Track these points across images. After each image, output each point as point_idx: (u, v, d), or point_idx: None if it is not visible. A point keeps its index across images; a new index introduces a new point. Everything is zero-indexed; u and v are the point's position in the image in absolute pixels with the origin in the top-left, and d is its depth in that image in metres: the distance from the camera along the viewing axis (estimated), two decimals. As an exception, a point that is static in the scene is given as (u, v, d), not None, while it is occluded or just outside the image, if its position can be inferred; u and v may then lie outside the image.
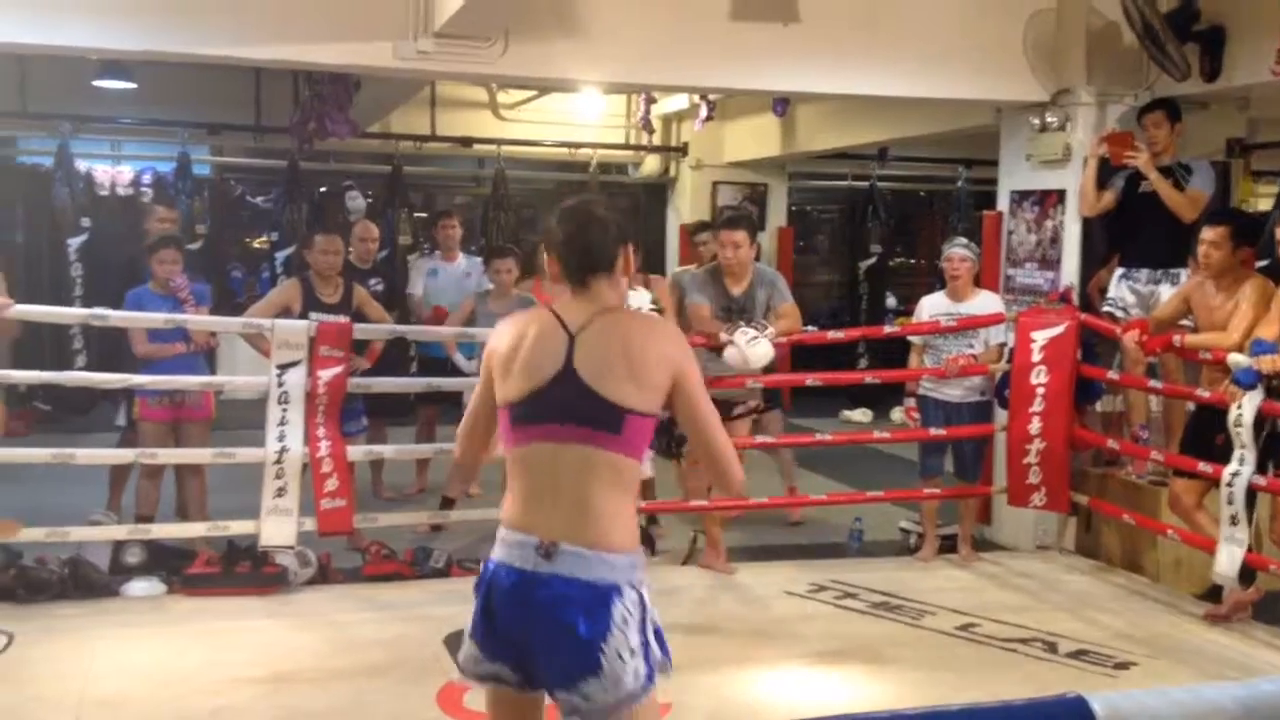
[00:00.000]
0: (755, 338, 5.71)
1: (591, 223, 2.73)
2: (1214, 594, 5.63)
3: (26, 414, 9.34)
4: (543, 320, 2.68)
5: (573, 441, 2.58)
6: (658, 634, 2.61)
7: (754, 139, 10.80)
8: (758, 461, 8.24)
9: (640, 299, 4.61)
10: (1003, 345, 6.43)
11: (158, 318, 5.73)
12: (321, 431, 5.60)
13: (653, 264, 9.97)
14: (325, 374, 5.56)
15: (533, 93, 10.34)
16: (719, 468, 2.73)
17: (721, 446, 2.71)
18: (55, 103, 9.38)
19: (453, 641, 5.00)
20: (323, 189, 11.12)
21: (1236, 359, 5.10)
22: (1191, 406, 5.78)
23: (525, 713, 2.71)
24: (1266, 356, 4.97)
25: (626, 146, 11.44)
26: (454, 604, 5.52)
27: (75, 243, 9.58)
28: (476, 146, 10.80)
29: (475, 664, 2.65)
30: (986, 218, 7.39)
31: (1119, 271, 6.39)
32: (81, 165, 10.15)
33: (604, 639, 2.48)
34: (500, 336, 2.75)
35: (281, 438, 5.53)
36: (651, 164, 11.58)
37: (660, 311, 4.68)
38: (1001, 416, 6.50)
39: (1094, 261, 6.75)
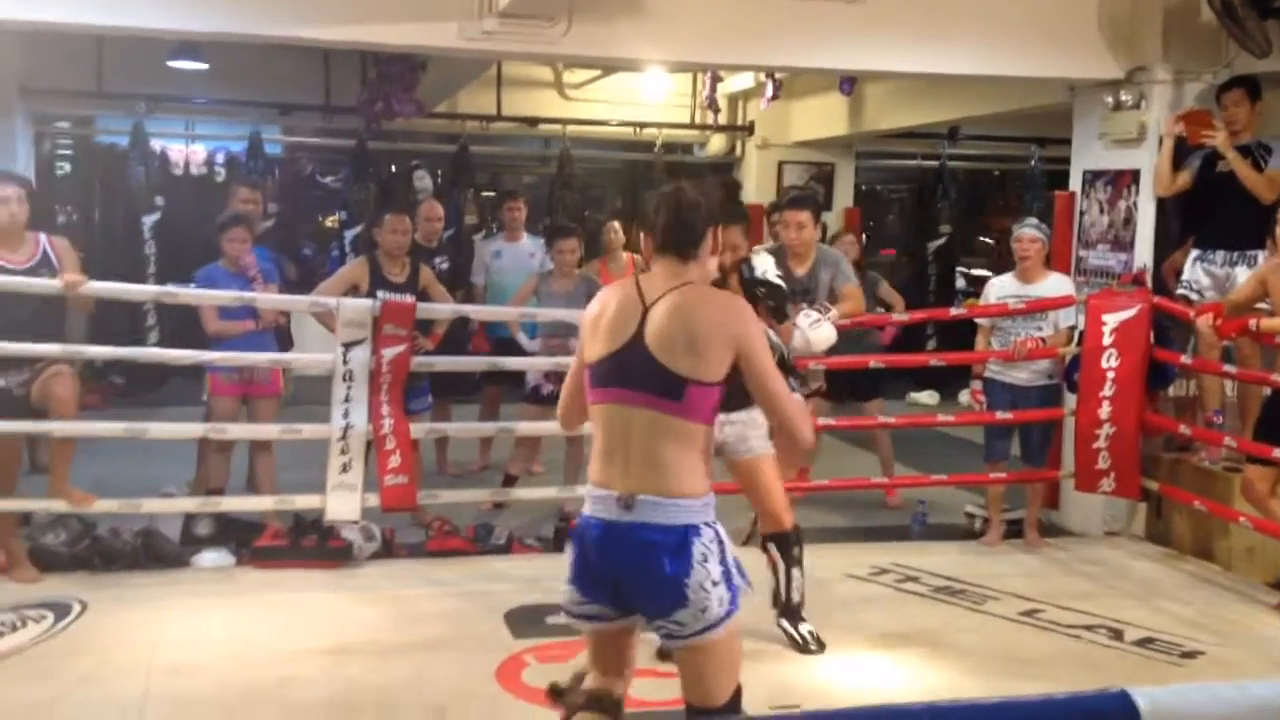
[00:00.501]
0: (818, 320, 5.64)
1: (681, 204, 2.98)
2: (1288, 583, 5.51)
3: (102, 388, 9.58)
4: (626, 291, 2.95)
5: (640, 405, 2.84)
6: (736, 563, 2.91)
7: (821, 118, 10.69)
8: (830, 445, 8.19)
9: (765, 263, 4.72)
10: (1072, 328, 6.32)
11: (226, 295, 5.82)
12: (385, 409, 5.65)
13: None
14: (389, 352, 5.61)
15: (598, 72, 10.33)
16: (789, 428, 3.02)
17: (787, 407, 2.97)
18: (131, 83, 9.55)
19: (513, 616, 5.07)
20: (394, 168, 11.22)
21: (1315, 343, 4.97)
22: (1267, 391, 5.64)
23: (622, 638, 3.02)
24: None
25: (692, 126, 11.37)
26: (514, 580, 5.61)
27: (149, 220, 9.78)
28: (542, 126, 10.83)
29: (576, 604, 2.97)
30: (1058, 198, 7.26)
31: (1194, 253, 6.26)
32: (156, 144, 10.35)
33: (687, 575, 2.79)
34: (594, 303, 3.03)
35: (346, 414, 5.59)
36: (717, 143, 11.51)
37: (782, 278, 4.82)
38: (1070, 400, 6.40)
39: (1168, 243, 6.60)
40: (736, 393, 3.93)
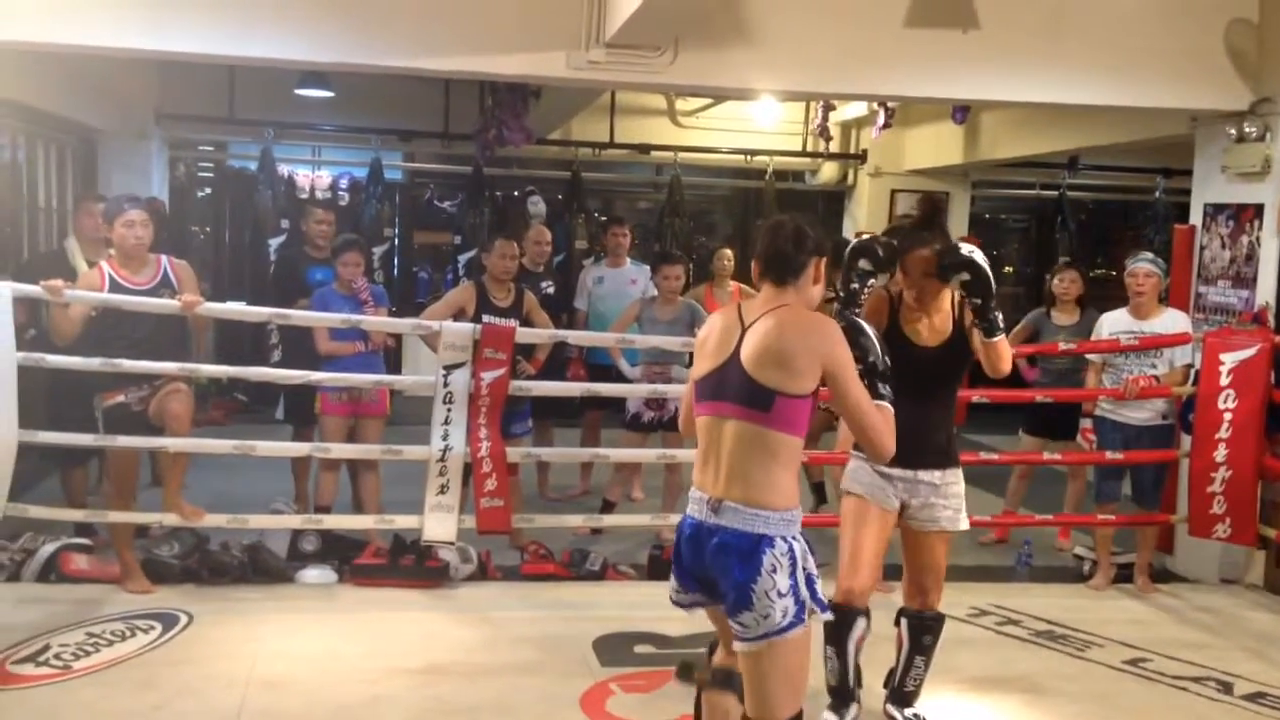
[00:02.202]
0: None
1: (785, 234, 3.19)
2: None
3: (226, 404, 9.93)
4: (729, 315, 3.21)
5: (732, 417, 3.06)
6: (809, 580, 3.05)
7: (934, 146, 10.55)
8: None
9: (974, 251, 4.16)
10: (1188, 367, 6.11)
11: (334, 318, 5.98)
12: (483, 432, 5.73)
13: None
14: (488, 375, 5.69)
15: (710, 100, 10.36)
16: (868, 441, 3.17)
17: (869, 420, 3.13)
18: (260, 110, 9.94)
19: (602, 644, 5.08)
20: (514, 193, 11.41)
21: None
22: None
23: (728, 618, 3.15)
24: None
25: (803, 153, 11.33)
26: (606, 607, 5.63)
27: (274, 243, 10.11)
28: (654, 153, 10.89)
29: (676, 593, 3.26)
30: (1178, 231, 7.03)
31: (1320, 292, 6.01)
32: (283, 169, 10.73)
33: (754, 581, 2.97)
34: (704, 327, 3.30)
35: (445, 436, 5.68)
36: (829, 171, 11.44)
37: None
38: (1185, 442, 6.18)
39: (1293, 281, 6.34)
40: (926, 449, 3.96)
